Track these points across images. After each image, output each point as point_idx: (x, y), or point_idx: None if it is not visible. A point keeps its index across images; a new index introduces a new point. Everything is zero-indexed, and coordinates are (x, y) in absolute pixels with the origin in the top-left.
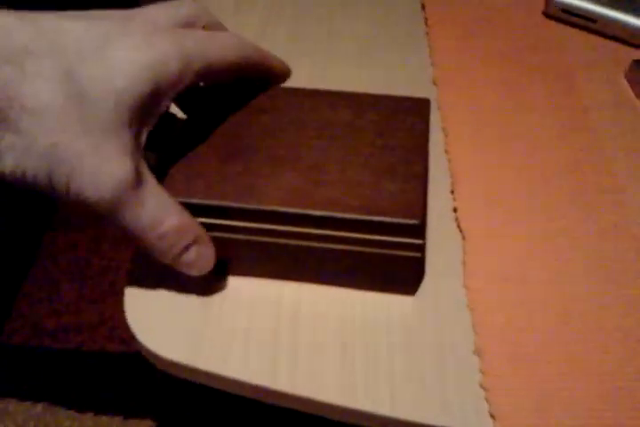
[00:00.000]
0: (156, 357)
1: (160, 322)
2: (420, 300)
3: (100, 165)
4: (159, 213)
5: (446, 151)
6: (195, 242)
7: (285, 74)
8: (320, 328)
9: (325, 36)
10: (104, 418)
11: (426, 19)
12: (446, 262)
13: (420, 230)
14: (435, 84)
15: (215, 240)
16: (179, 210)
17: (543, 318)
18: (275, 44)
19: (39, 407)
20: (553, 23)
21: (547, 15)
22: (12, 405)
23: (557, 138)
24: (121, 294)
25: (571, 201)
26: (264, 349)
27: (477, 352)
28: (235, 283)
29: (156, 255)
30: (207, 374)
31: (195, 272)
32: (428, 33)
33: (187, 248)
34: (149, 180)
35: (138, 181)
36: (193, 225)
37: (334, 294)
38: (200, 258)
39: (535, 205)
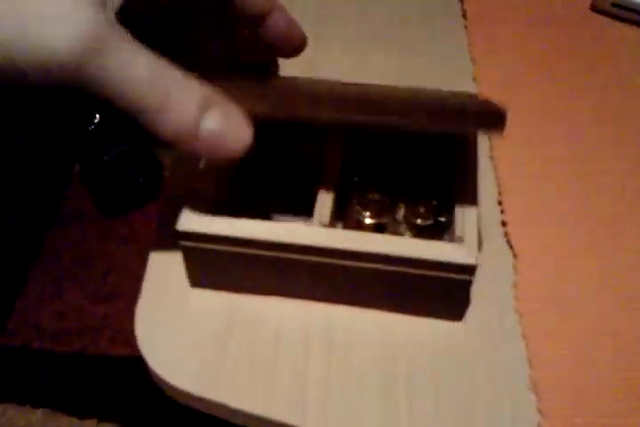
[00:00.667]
0: (169, 386)
1: (174, 348)
2: (468, 326)
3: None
4: (152, 67)
5: (491, 157)
6: (212, 101)
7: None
8: (355, 359)
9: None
10: (107, 425)
11: (464, 11)
12: (496, 283)
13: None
14: (475, 81)
15: (238, 256)
16: (174, 67)
17: (606, 349)
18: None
19: (39, 413)
20: (601, 18)
21: (594, 9)
22: (10, 410)
23: (612, 145)
24: (125, 296)
25: (633, 215)
26: (292, 381)
27: (533, 389)
28: (257, 304)
29: (166, 132)
30: (224, 408)
31: (230, 148)
32: (466, 27)
33: (204, 109)
34: (128, 36)
35: (114, 30)
36: (200, 82)
37: (371, 319)
38: (227, 121)
39: (594, 218)
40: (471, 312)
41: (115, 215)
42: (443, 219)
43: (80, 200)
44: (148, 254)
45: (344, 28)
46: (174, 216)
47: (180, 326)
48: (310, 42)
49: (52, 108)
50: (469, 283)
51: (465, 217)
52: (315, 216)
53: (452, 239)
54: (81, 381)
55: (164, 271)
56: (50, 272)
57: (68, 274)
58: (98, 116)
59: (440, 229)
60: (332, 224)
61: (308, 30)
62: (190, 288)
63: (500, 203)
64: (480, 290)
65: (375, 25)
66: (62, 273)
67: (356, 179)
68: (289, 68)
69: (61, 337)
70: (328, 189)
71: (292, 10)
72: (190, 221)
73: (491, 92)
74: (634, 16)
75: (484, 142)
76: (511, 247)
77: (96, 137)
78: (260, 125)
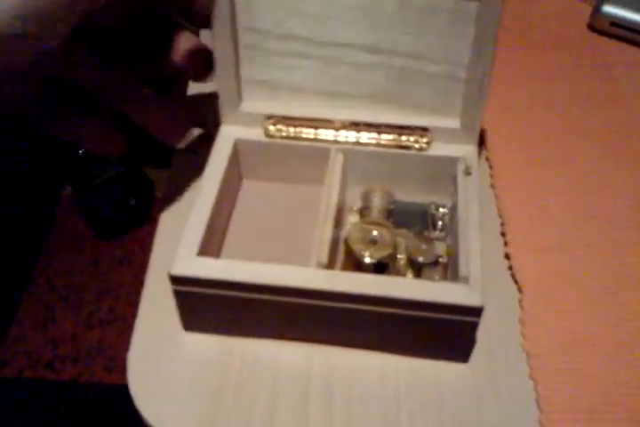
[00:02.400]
0: None
1: (169, 398)
2: (473, 368)
3: None
4: None
5: (492, 185)
6: None
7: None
8: (357, 406)
9: None
10: None
11: None
12: (501, 320)
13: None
14: None
15: (234, 300)
16: None
17: (620, 392)
18: None
19: None
20: (599, 37)
21: (592, 29)
22: None
23: (615, 170)
24: (120, 321)
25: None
26: None
27: None
28: (254, 348)
29: None
30: None
31: None
32: None
33: None
34: None
35: None
36: None
37: (373, 362)
38: None
39: (600, 250)
40: (477, 352)
41: (107, 238)
42: (445, 259)
43: (72, 223)
44: (142, 280)
45: None
46: (166, 252)
47: (174, 373)
48: None
49: (41, 131)
50: (475, 325)
51: (469, 255)
52: (312, 256)
53: (456, 277)
54: (75, 409)
55: (156, 314)
56: (42, 298)
57: (61, 299)
58: None
59: (443, 266)
60: (330, 264)
61: None
62: (184, 332)
63: (503, 234)
64: (485, 328)
65: None
66: (55, 298)
67: (354, 217)
68: None
69: (55, 365)
70: (325, 227)
71: None
72: (184, 264)
73: (490, 116)
74: (632, 35)
75: (484, 171)
76: (516, 282)
77: (86, 160)
78: None
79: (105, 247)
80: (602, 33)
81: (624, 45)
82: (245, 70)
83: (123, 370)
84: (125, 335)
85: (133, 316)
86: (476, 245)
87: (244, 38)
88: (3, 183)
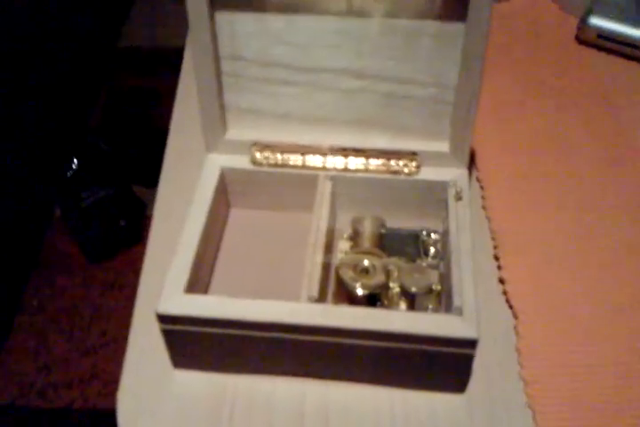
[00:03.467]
0: None
1: None
2: (470, 398)
3: None
4: None
5: (483, 207)
6: None
7: None
8: None
9: None
10: None
11: None
12: (497, 348)
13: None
14: None
15: (224, 337)
16: None
17: (621, 416)
18: None
19: None
20: (587, 49)
21: (580, 41)
22: None
23: (607, 179)
24: (112, 344)
25: (634, 262)
26: None
27: None
28: (246, 385)
29: None
30: None
31: None
32: None
33: None
34: None
35: None
36: None
37: (369, 395)
38: None
39: (595, 271)
40: (473, 382)
41: (98, 260)
42: (437, 287)
43: (62, 245)
44: (134, 303)
45: None
46: (153, 286)
47: (165, 413)
48: None
49: (30, 155)
50: (471, 356)
51: (462, 284)
52: (303, 290)
53: (450, 307)
54: None
55: (145, 352)
56: (34, 323)
57: (53, 324)
58: (76, 161)
59: (437, 294)
60: (322, 295)
61: None
62: (174, 369)
63: (496, 258)
64: (481, 356)
65: None
66: (47, 323)
67: (344, 244)
68: None
69: (48, 392)
70: (314, 259)
71: None
72: (171, 302)
73: (480, 135)
74: (618, 47)
75: (476, 191)
76: (511, 307)
77: (75, 182)
78: None
79: (96, 269)
80: (589, 45)
81: (611, 57)
82: (230, 98)
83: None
84: (118, 359)
85: (125, 339)
86: (469, 273)
87: (227, 66)
88: None
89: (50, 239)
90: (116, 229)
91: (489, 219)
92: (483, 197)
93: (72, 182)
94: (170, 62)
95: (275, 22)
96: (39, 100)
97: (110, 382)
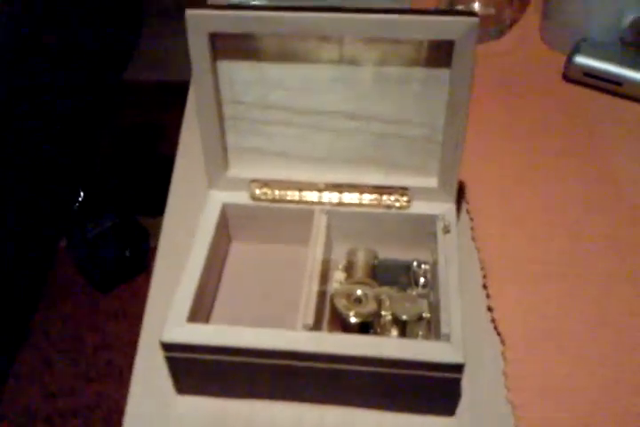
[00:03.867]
0: None
1: None
2: (460, 421)
3: None
4: None
5: (472, 238)
6: None
7: None
8: None
9: None
10: None
11: None
12: (485, 371)
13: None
14: None
15: (225, 364)
16: None
17: None
18: None
19: None
20: (573, 86)
21: (567, 78)
22: None
23: (591, 213)
24: (117, 372)
25: (619, 291)
26: None
27: None
28: (246, 410)
29: None
30: None
31: None
32: None
33: None
34: None
35: None
36: None
37: (362, 419)
38: None
39: (583, 300)
40: (462, 405)
41: (104, 289)
42: (427, 315)
43: (68, 275)
44: (138, 331)
45: None
46: (158, 317)
47: None
48: None
49: (38, 186)
50: (458, 380)
51: (450, 312)
52: (299, 318)
53: (438, 334)
54: None
55: (150, 378)
56: (39, 351)
57: (59, 352)
58: (82, 193)
59: (427, 321)
60: (317, 324)
61: None
62: (177, 395)
63: (485, 286)
64: (470, 380)
65: None
66: (52, 351)
67: (339, 274)
68: None
69: (54, 419)
70: (310, 289)
71: None
72: (174, 331)
73: (469, 169)
74: (604, 84)
75: (465, 223)
76: (499, 334)
77: (81, 214)
78: None
79: (101, 299)
80: (576, 82)
81: (597, 94)
82: (231, 139)
83: (121, 423)
84: (123, 388)
85: (130, 367)
86: (457, 302)
87: (228, 110)
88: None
89: (56, 269)
90: (121, 259)
91: (478, 249)
92: (472, 229)
93: (78, 214)
94: (173, 96)
95: (272, 70)
96: (47, 133)
97: (115, 411)
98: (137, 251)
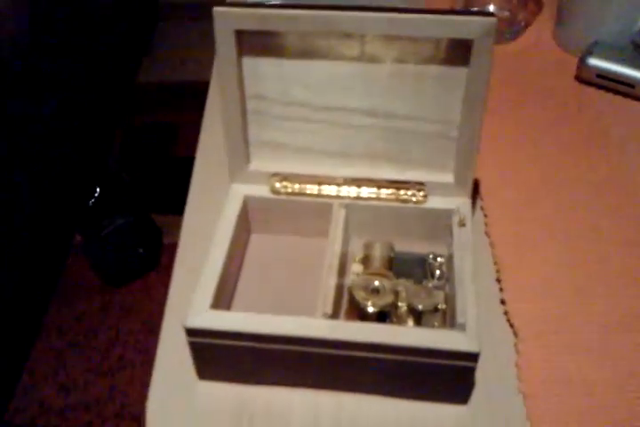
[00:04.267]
0: None
1: None
2: (473, 409)
3: None
4: None
5: (486, 233)
6: None
7: None
8: None
9: None
10: None
11: None
12: (498, 363)
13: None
14: None
15: (246, 350)
16: None
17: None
18: None
19: None
20: (586, 88)
21: (579, 80)
22: None
23: (605, 212)
24: (129, 368)
25: (630, 287)
26: None
27: None
28: (266, 396)
29: None
30: None
31: None
32: None
33: None
34: None
35: None
36: None
37: (378, 406)
38: None
39: (594, 292)
40: (475, 395)
41: (117, 285)
42: (442, 306)
43: (81, 272)
44: (151, 327)
45: None
46: (180, 304)
47: (189, 420)
48: None
49: (54, 182)
50: (473, 369)
51: (465, 303)
52: (318, 307)
53: (454, 324)
54: None
55: (172, 364)
56: (53, 346)
57: (72, 347)
58: (98, 189)
59: (442, 312)
60: (335, 313)
61: None
62: (198, 381)
63: (498, 280)
64: (483, 370)
65: None
66: (66, 346)
67: (357, 266)
68: None
69: (67, 413)
70: (329, 279)
71: None
72: (198, 317)
73: (486, 168)
74: (616, 86)
75: (480, 220)
76: (511, 326)
77: (96, 210)
78: None
79: (114, 295)
80: (589, 84)
81: (610, 95)
82: (253, 133)
83: (134, 417)
84: (135, 382)
85: (142, 363)
86: (472, 293)
87: (251, 104)
88: (13, 232)
89: (70, 265)
90: (135, 256)
91: (491, 244)
92: (486, 224)
93: (93, 211)
94: (188, 97)
95: (294, 66)
96: (64, 130)
97: (127, 405)
98: (150, 249)
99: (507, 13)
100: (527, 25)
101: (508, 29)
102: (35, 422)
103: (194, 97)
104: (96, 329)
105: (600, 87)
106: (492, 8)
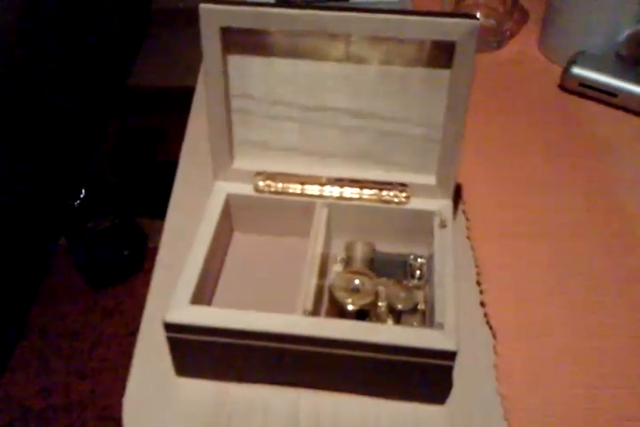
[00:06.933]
0: None
1: None
2: (450, 410)
3: None
4: None
5: (468, 237)
6: None
7: None
8: None
9: None
10: None
11: None
12: (477, 364)
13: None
14: None
15: (225, 346)
16: None
17: None
18: None
19: None
20: (569, 97)
21: (563, 89)
22: None
23: (588, 221)
24: (112, 370)
25: (607, 292)
26: None
27: None
28: (244, 393)
29: None
30: None
31: None
32: None
33: None
34: None
35: None
36: None
37: (356, 405)
38: None
39: (572, 296)
40: (453, 395)
41: (101, 287)
42: (422, 306)
43: (66, 273)
44: (133, 330)
45: None
46: (160, 301)
47: (168, 418)
48: None
49: (39, 183)
50: (450, 368)
51: (444, 303)
52: (298, 304)
53: (432, 324)
54: None
55: (150, 361)
56: (35, 347)
57: (54, 349)
58: (83, 190)
59: (422, 312)
60: (315, 311)
61: None
62: (176, 377)
63: (478, 283)
64: (461, 371)
65: None
66: (48, 347)
67: (338, 266)
68: None
69: (47, 414)
70: (310, 277)
71: None
72: (178, 312)
73: (467, 171)
74: (599, 95)
75: (461, 223)
76: (490, 328)
77: (81, 212)
78: None
79: (97, 297)
80: (572, 92)
81: (592, 104)
82: (238, 131)
83: (115, 419)
84: (117, 385)
85: (125, 365)
86: (451, 293)
87: (236, 103)
88: None
89: (54, 266)
90: (119, 259)
91: (472, 247)
92: (467, 228)
93: (78, 212)
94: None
95: (281, 66)
96: (51, 131)
97: (108, 407)
98: (134, 251)
99: (493, 22)
100: (513, 34)
101: (494, 38)
102: (13, 423)
103: (184, 102)
104: (79, 331)
105: (583, 96)
106: (477, 17)
